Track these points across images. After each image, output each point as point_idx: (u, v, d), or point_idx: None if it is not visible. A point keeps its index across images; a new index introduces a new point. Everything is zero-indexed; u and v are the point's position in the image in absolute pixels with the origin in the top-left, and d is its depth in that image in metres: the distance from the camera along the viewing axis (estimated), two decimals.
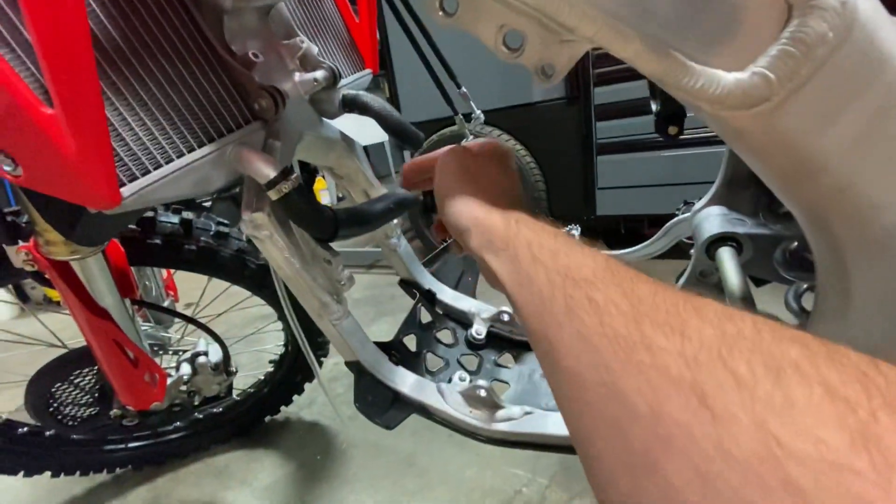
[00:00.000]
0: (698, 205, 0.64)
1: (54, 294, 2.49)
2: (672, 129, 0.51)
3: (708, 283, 0.67)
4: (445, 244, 0.85)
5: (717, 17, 0.23)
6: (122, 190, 0.39)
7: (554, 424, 0.59)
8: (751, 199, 0.57)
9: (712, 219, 0.58)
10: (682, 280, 0.69)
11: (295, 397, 1.23)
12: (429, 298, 0.81)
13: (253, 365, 1.31)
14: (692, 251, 0.68)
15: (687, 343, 0.18)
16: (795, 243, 0.48)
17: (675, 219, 0.69)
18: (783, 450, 0.14)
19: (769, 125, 0.25)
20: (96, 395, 0.92)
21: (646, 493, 0.17)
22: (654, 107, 0.52)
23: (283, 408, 1.25)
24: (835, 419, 0.14)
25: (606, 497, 0.19)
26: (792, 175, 0.27)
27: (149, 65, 0.42)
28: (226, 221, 0.94)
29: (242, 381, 1.22)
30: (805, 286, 0.49)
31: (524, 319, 0.27)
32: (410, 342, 0.75)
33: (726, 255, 0.54)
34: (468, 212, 0.35)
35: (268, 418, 1.26)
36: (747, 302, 0.46)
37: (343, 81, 0.68)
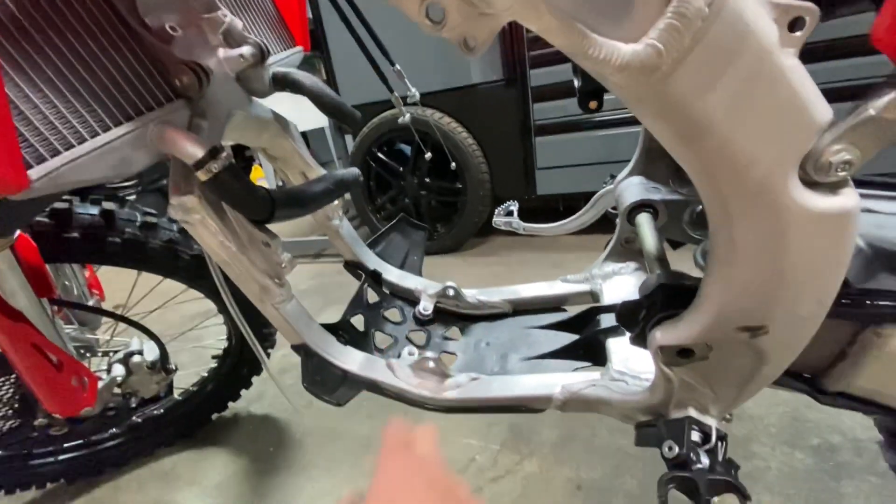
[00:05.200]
0: (620, 176, 0.69)
1: None
2: (592, 104, 0.55)
3: (632, 248, 0.73)
4: (389, 224, 0.85)
5: None
6: (29, 173, 0.36)
7: (499, 387, 0.62)
8: (665, 168, 0.63)
9: (632, 188, 0.63)
10: (608, 248, 0.75)
11: (243, 392, 1.20)
12: (375, 279, 0.82)
13: (195, 362, 1.26)
14: (617, 220, 0.73)
15: None
16: (700, 206, 0.54)
17: (602, 191, 0.74)
18: None
19: (662, 92, 0.29)
20: (16, 405, 0.85)
21: None
22: (576, 83, 0.56)
23: (231, 404, 1.21)
24: None
25: None
26: (684, 137, 0.30)
27: (52, 38, 0.39)
28: (153, 211, 0.89)
29: (185, 380, 1.17)
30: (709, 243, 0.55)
31: None
32: (358, 322, 0.75)
33: (644, 221, 0.59)
34: None
35: (215, 416, 1.22)
36: (662, 262, 0.52)
37: (272, 59, 0.65)
